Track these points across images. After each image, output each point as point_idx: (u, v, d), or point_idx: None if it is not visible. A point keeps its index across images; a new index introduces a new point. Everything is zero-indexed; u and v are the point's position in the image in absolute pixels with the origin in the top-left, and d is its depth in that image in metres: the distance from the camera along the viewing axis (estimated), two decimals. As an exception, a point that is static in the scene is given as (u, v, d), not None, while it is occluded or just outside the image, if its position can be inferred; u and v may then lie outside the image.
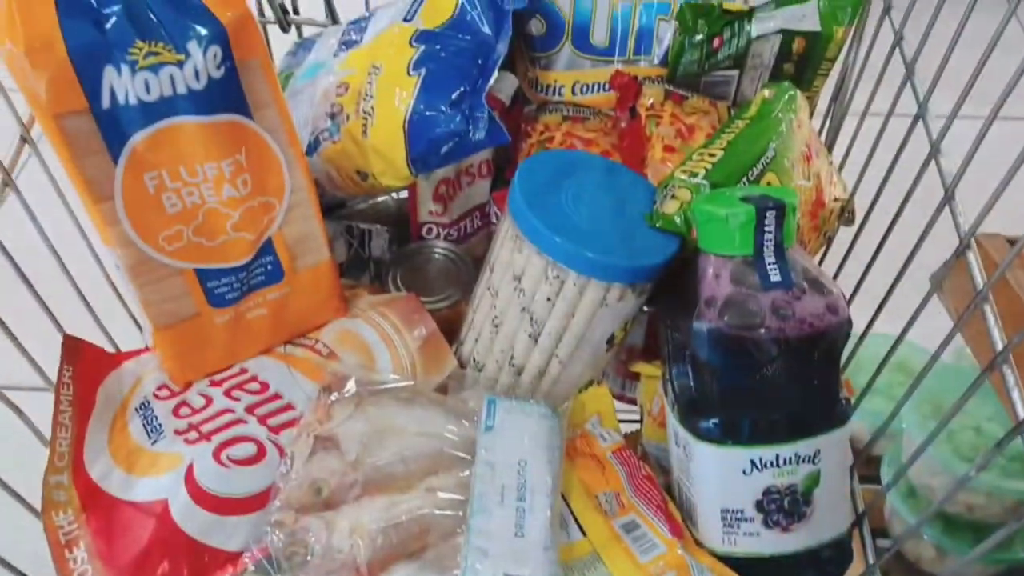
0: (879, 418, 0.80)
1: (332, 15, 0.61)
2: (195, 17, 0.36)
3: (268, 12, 0.61)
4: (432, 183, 0.54)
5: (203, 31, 0.36)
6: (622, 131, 0.53)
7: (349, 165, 0.50)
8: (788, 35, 0.51)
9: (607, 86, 0.55)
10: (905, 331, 0.45)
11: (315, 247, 0.46)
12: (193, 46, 0.36)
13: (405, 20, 0.51)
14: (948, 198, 0.38)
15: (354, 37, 0.54)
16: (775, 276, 0.40)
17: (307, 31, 0.63)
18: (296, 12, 0.62)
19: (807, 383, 0.41)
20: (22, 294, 0.44)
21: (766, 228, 0.39)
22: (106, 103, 0.36)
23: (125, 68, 0.35)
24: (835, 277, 0.53)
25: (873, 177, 0.49)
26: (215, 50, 0.36)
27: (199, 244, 0.42)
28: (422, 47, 0.49)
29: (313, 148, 0.52)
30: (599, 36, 0.54)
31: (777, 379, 0.40)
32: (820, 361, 0.40)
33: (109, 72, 0.35)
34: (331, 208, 0.59)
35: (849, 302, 0.50)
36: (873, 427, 0.80)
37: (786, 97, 0.48)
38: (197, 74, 0.36)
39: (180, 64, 0.36)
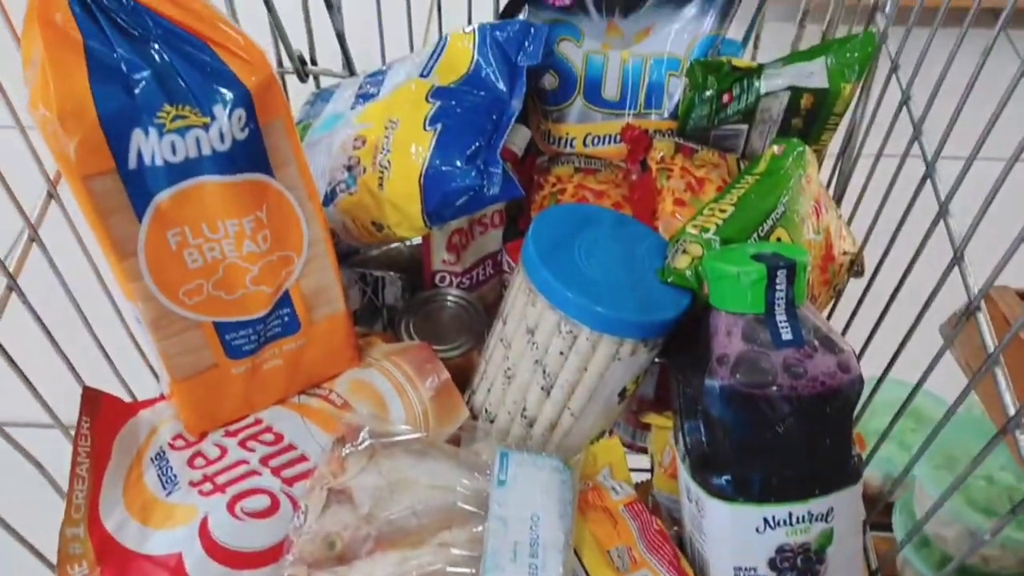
0: (890, 464, 0.80)
1: (349, 66, 0.63)
2: (222, 81, 0.37)
3: (287, 63, 0.63)
4: (446, 233, 0.55)
5: (229, 95, 0.37)
6: (633, 183, 0.54)
7: (365, 216, 0.51)
8: (796, 91, 0.52)
9: (618, 138, 0.56)
10: (919, 385, 0.45)
11: (331, 298, 0.47)
12: (219, 109, 0.37)
13: (422, 76, 0.52)
14: (957, 259, 0.38)
15: (371, 90, 0.56)
16: (787, 334, 0.40)
17: (325, 81, 0.65)
18: (314, 63, 0.63)
19: (820, 441, 0.41)
20: (39, 337, 0.44)
21: (777, 287, 0.40)
22: (133, 164, 0.37)
23: (153, 131, 0.36)
24: (846, 329, 0.53)
25: (883, 230, 0.50)
26: (240, 113, 0.38)
27: (218, 297, 0.42)
28: (438, 103, 0.50)
29: (330, 199, 0.53)
30: (610, 90, 0.55)
31: (789, 437, 0.40)
32: (832, 419, 0.40)
33: (137, 135, 0.36)
34: (345, 255, 0.60)
35: (860, 354, 0.50)
36: (884, 473, 0.80)
37: (795, 153, 0.48)
38: (222, 136, 0.37)
39: (206, 127, 0.37)
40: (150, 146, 0.37)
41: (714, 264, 0.41)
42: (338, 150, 0.53)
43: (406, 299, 0.59)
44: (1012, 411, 0.33)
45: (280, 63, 0.63)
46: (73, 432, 0.43)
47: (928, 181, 0.42)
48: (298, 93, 0.66)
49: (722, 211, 0.46)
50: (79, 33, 0.35)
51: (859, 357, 0.50)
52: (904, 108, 0.46)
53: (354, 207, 0.51)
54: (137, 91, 0.36)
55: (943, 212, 0.40)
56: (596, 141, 0.57)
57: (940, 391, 0.76)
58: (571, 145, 0.57)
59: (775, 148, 0.49)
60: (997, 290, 0.53)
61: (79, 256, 0.47)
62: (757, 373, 0.39)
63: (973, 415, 0.74)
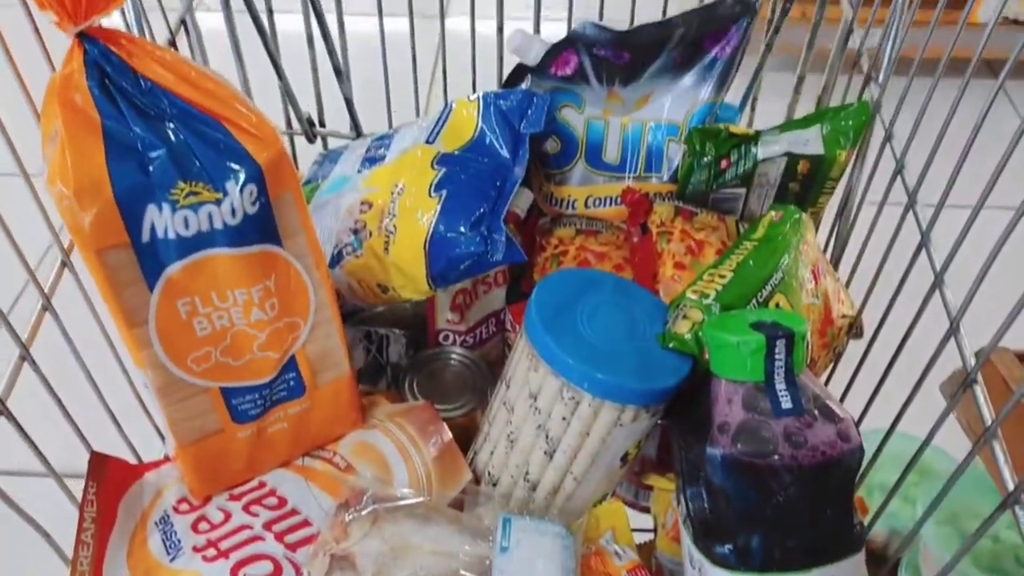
0: (894, 519, 0.79)
1: (356, 128, 0.64)
2: (234, 158, 0.38)
3: (296, 124, 0.65)
4: (450, 293, 0.56)
5: (241, 172, 0.38)
6: (634, 246, 0.55)
7: (371, 278, 0.52)
8: (793, 158, 0.53)
9: (619, 200, 0.58)
10: (923, 446, 0.45)
11: (336, 361, 0.48)
12: (231, 185, 0.38)
13: (427, 142, 0.53)
14: (953, 330, 0.39)
15: (378, 154, 0.57)
16: (786, 403, 0.40)
17: (333, 142, 0.66)
18: (322, 125, 0.65)
19: (821, 510, 0.41)
20: (48, 402, 0.45)
21: (776, 356, 0.40)
22: (146, 238, 0.38)
23: (166, 207, 0.37)
24: (847, 390, 0.53)
25: (882, 292, 0.50)
26: (251, 188, 0.39)
27: (226, 364, 0.43)
28: (443, 169, 0.51)
29: (336, 260, 0.54)
30: (611, 154, 0.57)
31: (791, 506, 0.40)
32: (833, 488, 0.41)
33: (151, 210, 0.37)
34: (350, 313, 0.61)
35: (862, 416, 0.51)
36: (889, 528, 0.79)
37: (793, 220, 0.49)
38: (233, 211, 0.38)
39: (218, 202, 0.38)
40: (163, 221, 0.38)
41: (714, 332, 0.42)
42: (345, 213, 0.54)
43: (410, 357, 0.59)
44: (1011, 486, 0.33)
45: (289, 125, 0.65)
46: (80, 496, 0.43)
47: (924, 250, 0.43)
48: (306, 151, 0.68)
49: (721, 277, 0.47)
50: (97, 113, 0.36)
51: (861, 418, 0.51)
52: (899, 177, 0.47)
53: (360, 269, 0.52)
54: (152, 168, 0.37)
55: (938, 282, 0.41)
56: (597, 203, 0.58)
57: (941, 441, 0.76)
58: (573, 207, 0.58)
59: (773, 214, 0.50)
60: (996, 352, 0.53)
61: (88, 316, 0.48)
62: (758, 442, 0.40)
63: (977, 471, 0.74)
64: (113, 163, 0.36)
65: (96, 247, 0.37)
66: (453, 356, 0.58)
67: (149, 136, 0.37)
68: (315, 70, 0.62)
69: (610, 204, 0.58)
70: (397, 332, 0.60)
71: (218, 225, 0.39)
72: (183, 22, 0.57)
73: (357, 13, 0.64)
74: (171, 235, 0.38)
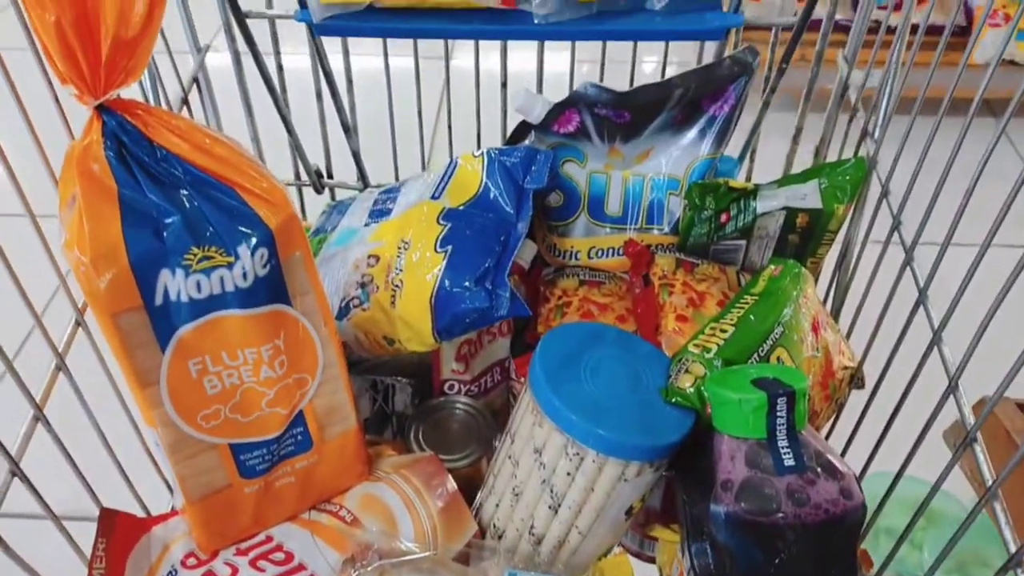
0: (900, 564, 0.79)
1: (364, 180, 0.66)
2: (246, 223, 0.39)
3: (304, 176, 0.66)
4: (455, 344, 0.56)
5: (253, 236, 0.39)
6: (636, 297, 0.56)
7: (377, 331, 0.53)
8: (792, 211, 0.54)
9: (621, 251, 0.59)
10: (929, 497, 0.45)
11: (343, 416, 0.48)
12: (243, 249, 0.39)
13: (433, 198, 0.54)
14: (952, 388, 0.40)
15: (385, 207, 0.58)
16: (789, 460, 0.41)
17: (340, 193, 0.67)
18: (330, 176, 0.66)
19: (825, 567, 0.41)
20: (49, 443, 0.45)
21: (778, 414, 0.41)
22: (159, 301, 0.39)
23: (180, 271, 0.38)
24: (850, 441, 0.54)
25: (883, 344, 0.51)
26: (263, 252, 0.40)
27: (235, 421, 0.44)
28: (449, 225, 0.52)
29: (344, 313, 0.55)
30: (613, 207, 0.58)
31: (795, 563, 0.40)
32: (837, 545, 0.41)
33: (164, 275, 0.38)
34: (356, 361, 0.61)
35: (865, 469, 0.51)
36: (894, 573, 0.78)
37: (792, 274, 0.50)
38: (245, 274, 0.39)
39: (230, 266, 0.39)
40: (176, 284, 0.39)
41: (716, 389, 0.43)
42: (352, 266, 0.55)
43: (416, 406, 0.60)
44: (1012, 547, 0.33)
45: (298, 176, 0.66)
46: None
47: (921, 307, 0.44)
48: (314, 199, 0.69)
49: (723, 331, 0.48)
50: (114, 182, 0.38)
51: (865, 468, 0.51)
52: (896, 232, 0.48)
53: (367, 322, 0.53)
54: (166, 234, 0.38)
55: (936, 340, 0.42)
56: (600, 254, 0.59)
57: (945, 482, 0.76)
58: (576, 257, 0.59)
59: (773, 268, 0.51)
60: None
61: (99, 372, 0.49)
62: (761, 500, 0.40)
63: (985, 518, 0.73)
64: (129, 230, 0.37)
65: (111, 311, 0.38)
66: (458, 405, 0.58)
67: (164, 203, 0.38)
68: (323, 123, 0.64)
69: (613, 255, 0.59)
70: (403, 381, 0.60)
71: (230, 288, 0.40)
72: (195, 80, 0.59)
73: (364, 53, 0.65)
74: (183, 298, 0.39)
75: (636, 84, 0.54)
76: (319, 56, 0.55)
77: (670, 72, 0.52)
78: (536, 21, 0.47)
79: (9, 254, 0.40)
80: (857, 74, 0.57)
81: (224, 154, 0.40)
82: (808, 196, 0.53)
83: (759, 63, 0.52)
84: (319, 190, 0.66)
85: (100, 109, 0.38)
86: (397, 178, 0.68)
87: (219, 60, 0.61)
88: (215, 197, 0.39)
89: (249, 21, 0.51)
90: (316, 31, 0.49)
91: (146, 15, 0.36)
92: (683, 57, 0.57)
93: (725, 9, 0.47)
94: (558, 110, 0.53)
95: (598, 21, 0.47)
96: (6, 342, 0.39)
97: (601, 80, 0.57)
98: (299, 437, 0.47)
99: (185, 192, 0.39)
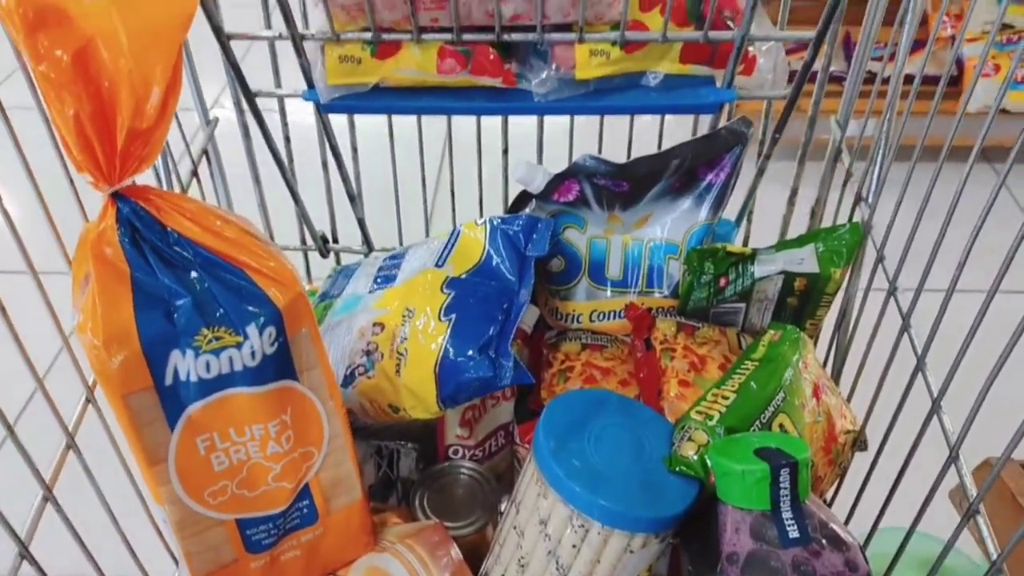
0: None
1: (368, 244, 0.67)
2: (255, 303, 0.40)
3: (310, 240, 0.67)
4: (459, 410, 0.57)
5: (261, 316, 0.40)
6: (638, 361, 0.56)
7: (382, 399, 0.53)
8: (789, 275, 0.55)
9: (623, 314, 0.59)
10: (938, 563, 0.45)
11: (349, 487, 0.48)
12: (252, 329, 0.40)
13: (437, 266, 0.55)
14: (952, 458, 0.40)
15: (389, 273, 0.59)
16: (793, 532, 0.41)
17: (345, 258, 0.69)
18: (335, 241, 0.67)
19: (833, 641, 0.41)
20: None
21: (782, 485, 0.41)
22: (168, 381, 0.39)
23: (190, 352, 0.39)
24: (854, 506, 0.54)
25: (884, 410, 0.51)
26: (271, 331, 0.40)
27: (241, 496, 0.44)
28: (452, 293, 0.53)
29: (349, 380, 0.55)
30: (614, 271, 0.59)
31: (803, 638, 0.40)
32: (844, 618, 0.41)
33: (175, 355, 0.39)
34: (360, 427, 0.62)
35: (869, 536, 0.51)
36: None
37: (791, 339, 0.51)
38: (253, 353, 0.40)
39: (239, 345, 0.40)
40: (186, 365, 0.39)
41: (719, 459, 0.43)
42: (357, 334, 0.56)
43: (420, 471, 0.60)
44: (1020, 625, 0.33)
45: (303, 241, 0.68)
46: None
47: (920, 375, 0.44)
48: (319, 263, 0.70)
49: (724, 398, 0.48)
50: (127, 265, 0.39)
51: (871, 534, 0.51)
52: (892, 298, 0.49)
53: (372, 390, 0.54)
54: (177, 316, 0.39)
55: (936, 408, 0.42)
56: (602, 317, 0.60)
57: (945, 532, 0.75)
58: (578, 321, 0.60)
59: (772, 334, 0.52)
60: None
61: (108, 448, 0.49)
62: (767, 573, 0.40)
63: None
64: (141, 313, 0.38)
65: (122, 392, 0.39)
66: (463, 471, 0.58)
67: (175, 285, 0.39)
68: (329, 191, 0.65)
69: (614, 318, 0.60)
70: (407, 446, 0.61)
71: (238, 367, 0.40)
72: (205, 151, 0.60)
73: (368, 117, 0.66)
74: (193, 378, 0.40)
75: (633, 149, 0.56)
76: (325, 131, 0.57)
77: (666, 142, 0.54)
78: (536, 99, 0.48)
79: (16, 315, 0.41)
80: (854, 123, 0.58)
81: (233, 235, 0.41)
82: (805, 260, 0.54)
83: (753, 133, 0.53)
84: (324, 255, 0.67)
85: (115, 196, 0.39)
86: (401, 242, 0.69)
87: (226, 127, 0.62)
88: (225, 278, 0.40)
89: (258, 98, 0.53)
90: (323, 109, 0.51)
91: (161, 106, 0.38)
92: (679, 120, 0.58)
93: (718, 84, 0.49)
94: (558, 180, 0.54)
95: (595, 97, 0.49)
96: (8, 406, 0.40)
97: (600, 149, 0.58)
98: (305, 510, 0.47)
99: (196, 274, 0.40)
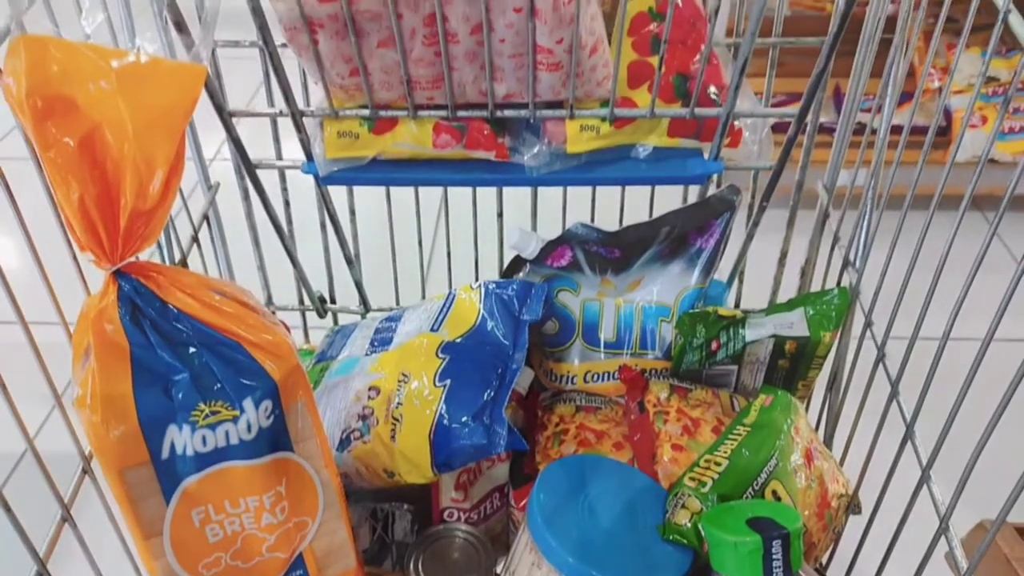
0: None
1: (365, 304, 0.68)
2: (252, 377, 0.41)
3: (307, 301, 0.68)
4: (454, 473, 0.57)
5: (258, 389, 0.41)
6: (632, 424, 0.57)
7: (377, 464, 0.54)
8: (780, 339, 0.55)
9: (616, 375, 0.60)
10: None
11: (343, 555, 0.48)
12: (248, 403, 0.41)
13: (432, 330, 0.56)
14: (943, 529, 0.40)
15: (386, 336, 0.60)
16: (786, 604, 0.41)
17: (342, 318, 0.69)
18: (333, 301, 0.68)
19: None
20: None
21: (774, 556, 0.41)
22: (165, 455, 0.40)
23: (187, 427, 0.40)
24: (850, 570, 0.54)
25: (878, 468, 0.51)
26: (267, 404, 0.41)
27: (235, 567, 0.44)
28: (447, 358, 0.54)
29: (344, 444, 0.55)
30: (607, 333, 0.60)
31: None
32: None
33: (172, 430, 0.40)
34: (354, 490, 0.62)
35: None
36: None
37: (783, 404, 0.51)
38: (249, 427, 0.41)
39: (235, 419, 0.40)
40: (183, 440, 0.40)
41: (712, 530, 0.43)
42: (353, 398, 0.56)
43: (415, 533, 0.60)
44: None
45: (301, 301, 0.69)
46: None
47: (909, 442, 0.45)
48: (316, 322, 0.71)
49: (717, 464, 0.49)
50: (127, 342, 0.39)
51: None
52: (881, 364, 0.49)
53: (367, 455, 0.54)
54: (175, 392, 0.40)
55: (925, 478, 0.43)
56: (596, 378, 0.60)
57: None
58: (572, 382, 0.60)
59: (764, 398, 0.52)
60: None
61: (105, 520, 0.49)
62: (760, 647, 0.40)
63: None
64: (139, 389, 0.39)
65: (118, 467, 0.39)
66: (458, 533, 0.58)
67: (174, 361, 0.40)
68: (327, 252, 0.66)
69: (608, 379, 0.60)
70: (403, 508, 0.60)
71: (234, 440, 0.41)
72: (206, 216, 0.62)
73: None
74: (189, 452, 0.40)
75: (625, 215, 0.57)
76: (324, 201, 0.58)
77: (657, 209, 0.55)
78: (529, 172, 0.50)
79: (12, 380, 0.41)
80: (845, 173, 0.59)
81: (231, 309, 0.42)
82: (795, 324, 0.55)
83: (741, 200, 0.54)
84: (322, 315, 0.68)
85: (116, 273, 0.40)
86: (398, 302, 0.70)
87: (226, 184, 0.64)
88: (222, 352, 0.41)
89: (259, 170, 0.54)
90: (322, 181, 0.52)
91: (163, 187, 0.39)
92: (670, 186, 0.60)
93: (706, 156, 0.50)
94: (551, 247, 0.55)
95: (587, 169, 0.50)
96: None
97: (592, 215, 0.60)
98: (298, 580, 0.47)
99: (194, 349, 0.40)
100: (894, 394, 0.47)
